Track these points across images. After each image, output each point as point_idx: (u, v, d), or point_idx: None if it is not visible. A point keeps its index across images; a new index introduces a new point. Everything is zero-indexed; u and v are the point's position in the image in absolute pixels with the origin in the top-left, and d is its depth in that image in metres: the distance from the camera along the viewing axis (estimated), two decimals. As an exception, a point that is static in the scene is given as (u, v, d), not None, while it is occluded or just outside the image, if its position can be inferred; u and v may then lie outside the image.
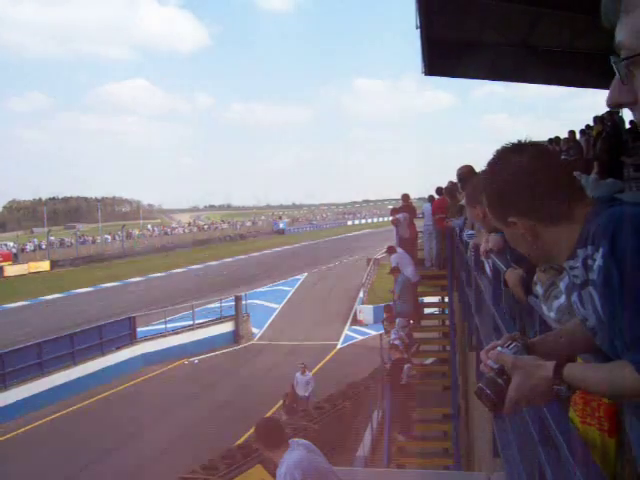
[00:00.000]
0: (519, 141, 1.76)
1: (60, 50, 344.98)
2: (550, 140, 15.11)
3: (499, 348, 1.77)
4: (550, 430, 2.15)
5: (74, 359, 24.09)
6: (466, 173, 7.20)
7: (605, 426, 1.97)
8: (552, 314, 2.42)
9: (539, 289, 2.64)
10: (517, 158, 1.70)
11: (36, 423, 20.31)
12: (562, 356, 1.67)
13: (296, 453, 4.58)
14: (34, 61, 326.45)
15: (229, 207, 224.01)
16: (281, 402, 19.28)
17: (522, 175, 1.67)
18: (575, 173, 1.83)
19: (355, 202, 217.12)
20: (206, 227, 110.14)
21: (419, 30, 12.90)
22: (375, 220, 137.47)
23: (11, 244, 73.88)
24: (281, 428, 5.02)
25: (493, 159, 1.78)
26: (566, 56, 14.98)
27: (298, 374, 19.64)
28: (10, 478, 16.26)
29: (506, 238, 1.86)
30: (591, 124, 14.89)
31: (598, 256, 1.44)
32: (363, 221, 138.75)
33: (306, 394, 19.36)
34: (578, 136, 14.98)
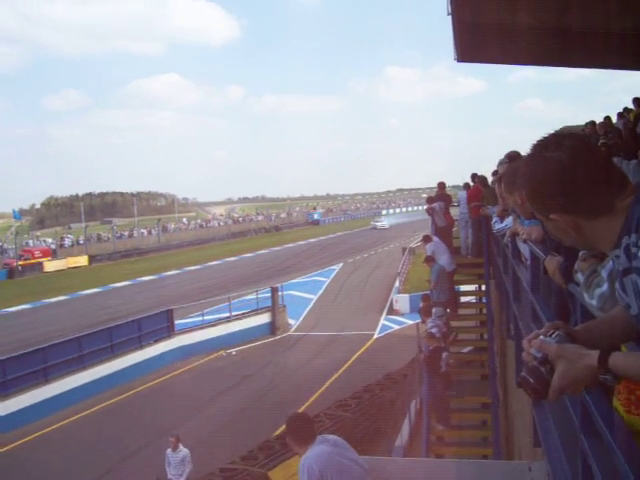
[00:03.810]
0: (557, 133, 1.73)
1: (93, 48, 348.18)
2: (586, 124, 14.88)
3: (542, 337, 1.75)
4: (593, 418, 2.12)
5: (113, 352, 24.45)
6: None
7: (650, 415, 1.94)
8: (594, 302, 2.39)
9: (580, 277, 2.61)
10: (556, 154, 1.66)
11: (76, 416, 20.65)
12: (607, 345, 1.65)
13: (318, 447, 4.59)
14: (68, 59, 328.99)
15: (263, 199, 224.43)
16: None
17: (561, 172, 1.64)
18: (615, 159, 1.80)
19: (389, 191, 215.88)
20: (241, 219, 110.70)
21: (450, 16, 12.77)
22: (410, 209, 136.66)
23: (50, 240, 75.21)
24: (311, 424, 5.02)
25: (531, 155, 1.74)
26: (600, 38, 14.69)
27: (168, 451, 13.60)
28: (45, 472, 16.50)
29: (547, 229, 1.84)
30: (629, 107, 14.63)
31: None
32: (398, 210, 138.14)
33: (181, 479, 13.49)
34: (615, 119, 14.72)
